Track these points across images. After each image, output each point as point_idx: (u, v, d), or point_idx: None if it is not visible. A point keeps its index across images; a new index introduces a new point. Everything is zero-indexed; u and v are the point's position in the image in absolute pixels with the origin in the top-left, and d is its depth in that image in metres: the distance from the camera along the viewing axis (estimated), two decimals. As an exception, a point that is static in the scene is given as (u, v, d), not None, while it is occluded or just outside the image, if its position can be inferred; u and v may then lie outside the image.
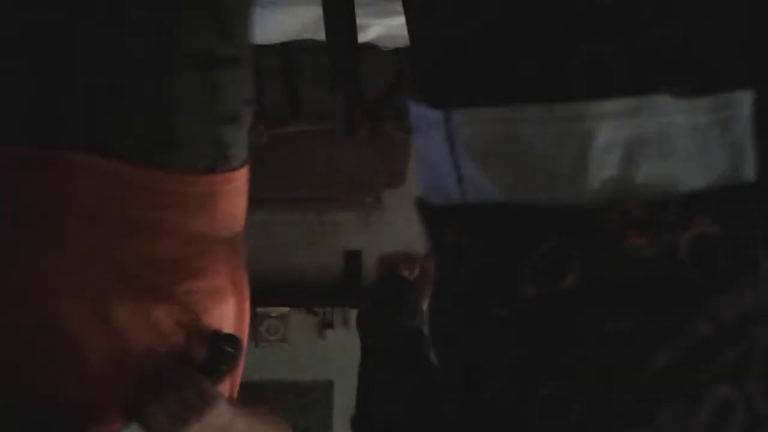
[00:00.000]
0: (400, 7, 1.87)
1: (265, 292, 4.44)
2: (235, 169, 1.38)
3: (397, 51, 2.58)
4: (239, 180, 1.40)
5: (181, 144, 1.30)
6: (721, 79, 0.68)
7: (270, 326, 4.37)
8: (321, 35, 1.58)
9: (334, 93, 1.53)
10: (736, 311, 0.68)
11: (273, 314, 4.37)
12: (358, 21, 1.54)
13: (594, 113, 0.66)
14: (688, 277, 0.66)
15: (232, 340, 1.35)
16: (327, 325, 4.41)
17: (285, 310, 4.38)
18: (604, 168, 0.67)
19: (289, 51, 2.55)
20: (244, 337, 1.41)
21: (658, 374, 0.64)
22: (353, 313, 4.52)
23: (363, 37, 1.80)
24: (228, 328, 1.38)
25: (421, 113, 0.80)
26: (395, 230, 4.50)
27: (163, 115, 1.28)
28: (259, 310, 4.36)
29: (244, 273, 1.45)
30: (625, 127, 0.67)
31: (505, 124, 0.68)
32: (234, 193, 1.40)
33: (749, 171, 0.69)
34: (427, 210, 0.84)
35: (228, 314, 1.39)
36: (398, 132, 3.58)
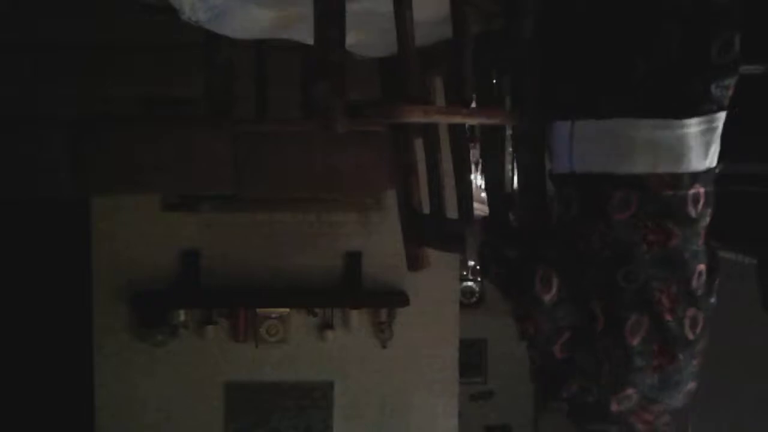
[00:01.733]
0: (379, 14, 1.85)
1: (265, 293, 4.48)
2: None
3: (381, 61, 2.49)
4: None
5: None
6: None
7: (270, 327, 4.38)
8: (296, 35, 1.56)
9: (317, 86, 1.51)
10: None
11: (273, 315, 4.38)
12: None
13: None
14: (688, 209, 1.36)
15: None
16: (327, 326, 4.42)
17: (285, 311, 4.38)
18: (654, 157, 1.36)
19: (263, 50, 2.52)
20: None
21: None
22: (353, 314, 4.57)
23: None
24: None
25: (556, 124, 1.43)
26: (395, 230, 4.49)
27: None
28: (259, 311, 4.40)
29: None
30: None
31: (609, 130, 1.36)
32: None
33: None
34: (551, 175, 1.50)
35: None
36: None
